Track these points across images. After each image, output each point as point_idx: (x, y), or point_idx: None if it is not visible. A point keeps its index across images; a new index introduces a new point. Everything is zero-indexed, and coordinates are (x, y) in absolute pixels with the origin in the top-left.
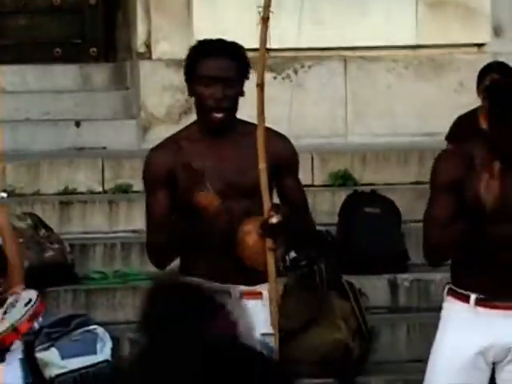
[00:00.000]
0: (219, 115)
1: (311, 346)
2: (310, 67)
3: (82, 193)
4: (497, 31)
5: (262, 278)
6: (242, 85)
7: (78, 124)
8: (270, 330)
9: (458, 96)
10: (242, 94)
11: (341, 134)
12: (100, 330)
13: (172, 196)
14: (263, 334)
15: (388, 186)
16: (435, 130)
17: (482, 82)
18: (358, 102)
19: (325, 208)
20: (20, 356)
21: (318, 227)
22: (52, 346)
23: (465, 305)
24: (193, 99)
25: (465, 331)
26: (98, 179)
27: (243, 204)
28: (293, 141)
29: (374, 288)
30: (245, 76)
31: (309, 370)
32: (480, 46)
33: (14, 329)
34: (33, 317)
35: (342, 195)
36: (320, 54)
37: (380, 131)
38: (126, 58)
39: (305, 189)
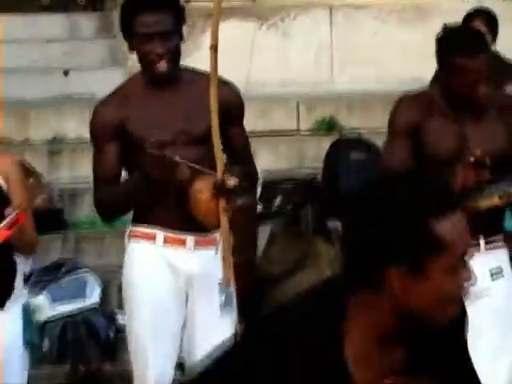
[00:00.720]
0: (163, 68)
1: (297, 289)
2: (296, 16)
3: (70, 141)
4: None
5: (216, 224)
6: (180, 31)
7: (66, 73)
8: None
9: None
10: (182, 40)
11: (326, 81)
12: (89, 275)
13: (120, 150)
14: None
15: (374, 132)
16: (420, 75)
17: None
18: (343, 50)
19: (311, 154)
20: (21, 303)
21: (304, 173)
22: (42, 291)
23: None
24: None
25: None
26: (87, 127)
27: (195, 152)
28: (279, 88)
29: None
30: (182, 23)
31: None
32: None
33: None
34: (12, 225)
35: (327, 141)
36: (306, 2)
37: (365, 78)
38: (113, 6)
39: (291, 135)
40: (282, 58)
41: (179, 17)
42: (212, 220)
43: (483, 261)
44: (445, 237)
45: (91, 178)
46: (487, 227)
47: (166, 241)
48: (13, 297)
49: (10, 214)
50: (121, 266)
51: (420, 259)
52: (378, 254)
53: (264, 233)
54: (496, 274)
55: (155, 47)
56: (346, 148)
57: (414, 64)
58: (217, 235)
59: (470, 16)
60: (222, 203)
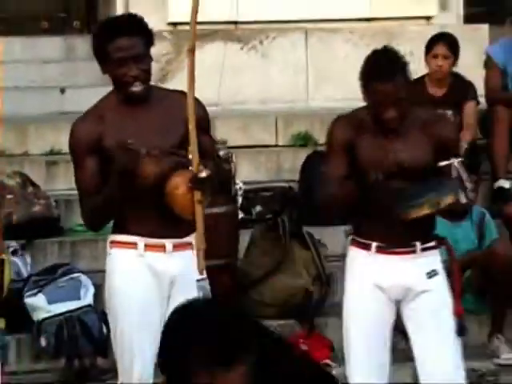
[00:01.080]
0: (137, 89)
1: (275, 290)
2: (274, 38)
3: (66, 153)
4: (443, 6)
5: (190, 230)
6: (149, 52)
7: (62, 91)
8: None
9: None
10: (151, 60)
11: (302, 99)
12: (83, 277)
13: (98, 164)
14: (198, 280)
15: None
16: None
17: (430, 50)
18: (317, 71)
19: (287, 166)
20: None
21: (281, 184)
22: (39, 292)
23: (367, 252)
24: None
25: (367, 274)
26: None
27: (168, 161)
28: (259, 105)
29: (332, 238)
30: (151, 45)
31: (273, 312)
32: (428, 18)
33: None
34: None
35: (303, 154)
36: (284, 26)
37: (337, 97)
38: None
39: (270, 149)
40: (262, 78)
41: (150, 40)
42: (188, 212)
43: (420, 263)
44: None
45: None
46: (422, 234)
47: (146, 247)
48: None
49: None
50: None
51: None
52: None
53: (245, 238)
54: (431, 274)
55: (129, 70)
56: (319, 160)
57: None
58: (192, 239)
59: (434, 40)
60: (197, 195)
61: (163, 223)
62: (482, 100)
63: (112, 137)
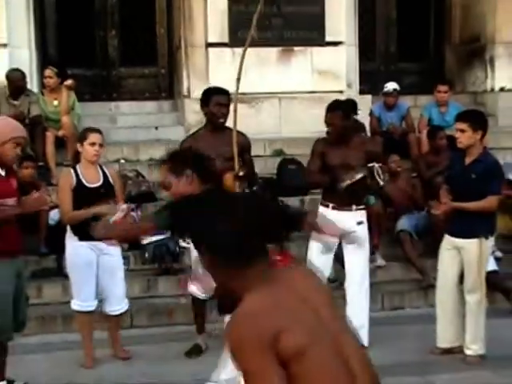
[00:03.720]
0: (222, 120)
1: None
2: (262, 101)
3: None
4: (349, 85)
5: None
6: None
7: (156, 128)
8: None
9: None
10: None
11: (278, 132)
12: None
13: None
14: None
15: (300, 156)
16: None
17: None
18: (285, 118)
19: (270, 166)
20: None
21: (267, 175)
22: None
23: (327, 209)
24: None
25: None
26: None
27: (227, 163)
28: (256, 135)
29: (292, 203)
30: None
31: None
32: (341, 91)
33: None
34: (126, 215)
35: (278, 160)
36: (267, 95)
37: (297, 131)
38: (178, 97)
39: (259, 157)
40: (257, 121)
41: (230, 99)
42: (232, 191)
43: (353, 216)
44: None
45: None
46: (355, 201)
47: None
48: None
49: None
50: None
51: None
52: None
53: None
54: (359, 223)
55: (224, 110)
56: (286, 163)
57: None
58: None
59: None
60: (237, 184)
61: None
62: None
63: (202, 148)
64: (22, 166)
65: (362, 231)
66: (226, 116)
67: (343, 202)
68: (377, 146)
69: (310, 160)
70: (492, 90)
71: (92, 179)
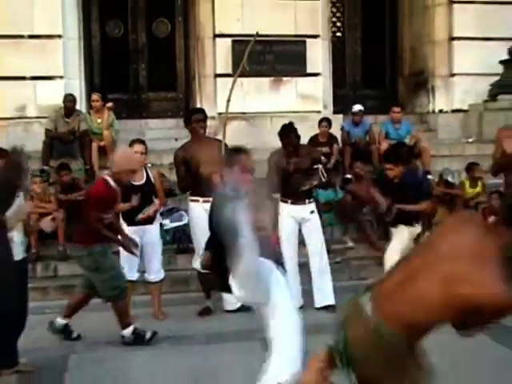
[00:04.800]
0: (202, 132)
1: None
2: (257, 119)
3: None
4: (324, 106)
5: None
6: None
7: (176, 139)
8: None
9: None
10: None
11: (271, 141)
12: (183, 212)
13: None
14: None
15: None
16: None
17: (320, 123)
18: (275, 133)
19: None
20: (158, 223)
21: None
22: (167, 217)
23: (286, 204)
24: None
25: (286, 212)
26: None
27: (212, 166)
28: (252, 145)
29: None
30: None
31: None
32: (319, 112)
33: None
34: (155, 210)
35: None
36: (262, 115)
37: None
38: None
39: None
40: (256, 134)
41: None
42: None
43: (307, 207)
44: None
45: None
46: (307, 196)
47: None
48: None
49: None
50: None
51: None
52: None
53: None
54: (311, 212)
55: (203, 125)
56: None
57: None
58: None
59: (321, 120)
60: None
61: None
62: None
63: (193, 156)
64: (61, 173)
65: (315, 217)
66: (204, 128)
67: (299, 197)
68: (317, 153)
69: (269, 169)
70: (433, 111)
71: (138, 178)
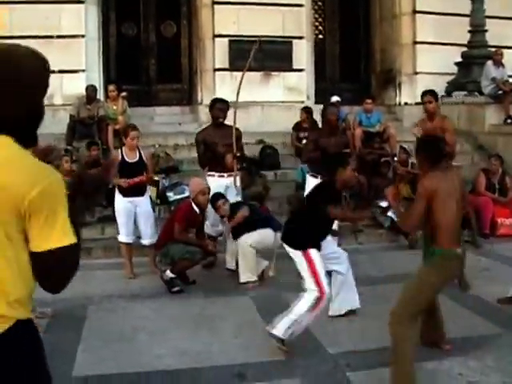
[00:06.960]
0: (221, 119)
1: (253, 192)
2: (250, 107)
3: (185, 145)
4: (308, 97)
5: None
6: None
7: (180, 124)
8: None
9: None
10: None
11: (260, 128)
12: (185, 186)
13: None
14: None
15: (275, 145)
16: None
17: (305, 109)
18: (266, 119)
19: (255, 151)
20: (148, 195)
21: (252, 156)
22: (171, 190)
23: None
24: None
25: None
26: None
27: (228, 148)
28: (247, 129)
29: (269, 175)
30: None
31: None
32: (302, 102)
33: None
34: (141, 181)
35: (260, 147)
36: (253, 104)
37: (273, 127)
38: (195, 104)
39: (248, 144)
40: (247, 120)
41: (228, 106)
42: (231, 167)
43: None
44: None
45: None
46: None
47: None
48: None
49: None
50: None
51: None
52: None
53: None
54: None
55: (224, 112)
56: (265, 148)
57: (288, 124)
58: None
59: (304, 108)
60: (234, 162)
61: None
62: None
63: (210, 139)
64: (91, 148)
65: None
66: (224, 117)
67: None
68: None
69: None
70: (399, 103)
71: (131, 157)
